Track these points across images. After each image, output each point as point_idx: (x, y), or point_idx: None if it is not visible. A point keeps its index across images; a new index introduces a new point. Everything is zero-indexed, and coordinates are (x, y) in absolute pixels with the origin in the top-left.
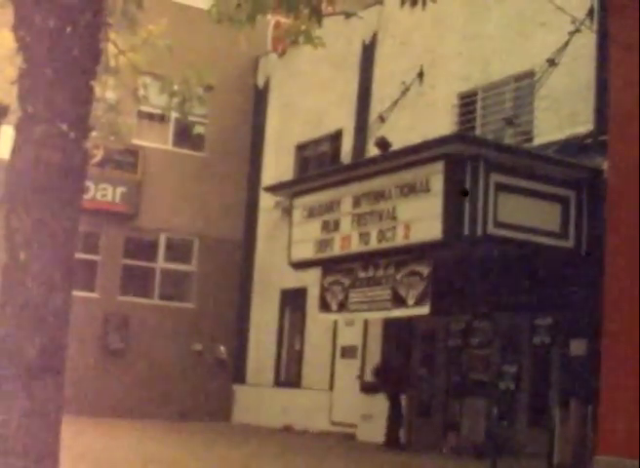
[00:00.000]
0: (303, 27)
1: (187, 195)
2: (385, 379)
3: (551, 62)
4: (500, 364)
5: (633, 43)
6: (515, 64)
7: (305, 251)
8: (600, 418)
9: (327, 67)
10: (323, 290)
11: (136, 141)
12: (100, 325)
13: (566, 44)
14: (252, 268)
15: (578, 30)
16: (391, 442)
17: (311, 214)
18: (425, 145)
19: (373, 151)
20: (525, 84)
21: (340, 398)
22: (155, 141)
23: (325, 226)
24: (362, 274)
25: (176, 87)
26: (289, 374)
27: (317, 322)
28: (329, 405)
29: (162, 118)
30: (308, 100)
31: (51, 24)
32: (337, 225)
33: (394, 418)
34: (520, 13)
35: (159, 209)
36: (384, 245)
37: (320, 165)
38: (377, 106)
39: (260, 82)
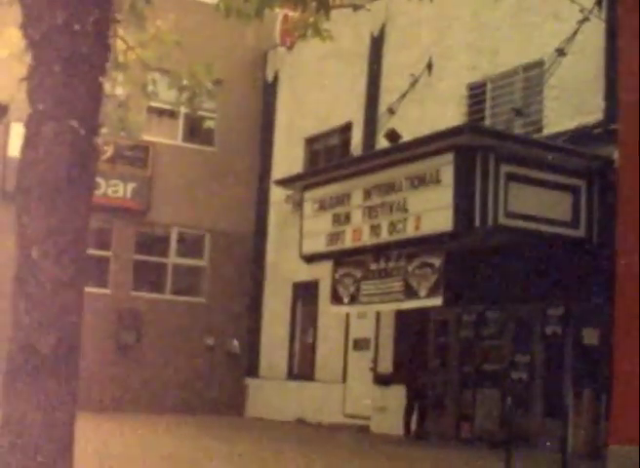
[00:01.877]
0: (312, 20)
1: (198, 190)
2: (405, 371)
3: (560, 52)
4: (513, 354)
5: None
6: (524, 54)
7: (317, 244)
8: (613, 407)
9: (336, 60)
10: (334, 282)
11: (146, 137)
12: (113, 320)
13: (575, 33)
14: (263, 262)
15: (586, 19)
16: (416, 433)
17: (322, 206)
18: (435, 137)
19: (382, 143)
20: (534, 74)
21: (352, 390)
22: (165, 137)
23: (336, 219)
24: (373, 266)
25: (185, 82)
26: (302, 367)
27: (329, 314)
28: (342, 397)
29: (172, 114)
30: (317, 93)
31: (59, 21)
32: (347, 218)
33: (419, 409)
34: (528, 2)
35: (170, 204)
36: (395, 237)
37: (330, 158)
38: (386, 98)
39: (269, 76)
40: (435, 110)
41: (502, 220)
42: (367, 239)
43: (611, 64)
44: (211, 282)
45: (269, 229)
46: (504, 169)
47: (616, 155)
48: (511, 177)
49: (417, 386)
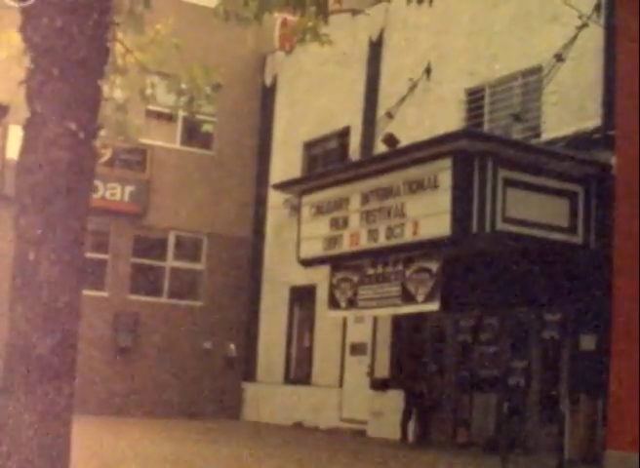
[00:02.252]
0: (310, 25)
1: (196, 193)
2: (403, 376)
3: (559, 58)
4: (510, 359)
5: None
6: (522, 60)
7: (314, 248)
8: (610, 412)
9: (334, 64)
10: (332, 287)
11: (144, 140)
12: (110, 323)
13: (573, 39)
14: (261, 266)
15: (585, 25)
16: (414, 438)
17: (320, 211)
18: (433, 142)
19: (381, 148)
20: (532, 79)
21: (349, 395)
22: (163, 140)
23: (333, 223)
24: (371, 271)
25: (183, 85)
26: (298, 372)
27: (326, 319)
28: (339, 401)
29: (170, 117)
30: (316, 98)
31: (58, 24)
32: (345, 222)
33: (417, 414)
34: (527, 8)
35: (168, 207)
36: (393, 241)
37: (328, 162)
38: (384, 103)
39: (268, 80)
40: (434, 115)
41: (500, 226)
42: (364, 243)
43: (609, 70)
44: (208, 285)
45: (267, 233)
46: (502, 174)
47: (613, 161)
48: (509, 183)
49: (415, 391)
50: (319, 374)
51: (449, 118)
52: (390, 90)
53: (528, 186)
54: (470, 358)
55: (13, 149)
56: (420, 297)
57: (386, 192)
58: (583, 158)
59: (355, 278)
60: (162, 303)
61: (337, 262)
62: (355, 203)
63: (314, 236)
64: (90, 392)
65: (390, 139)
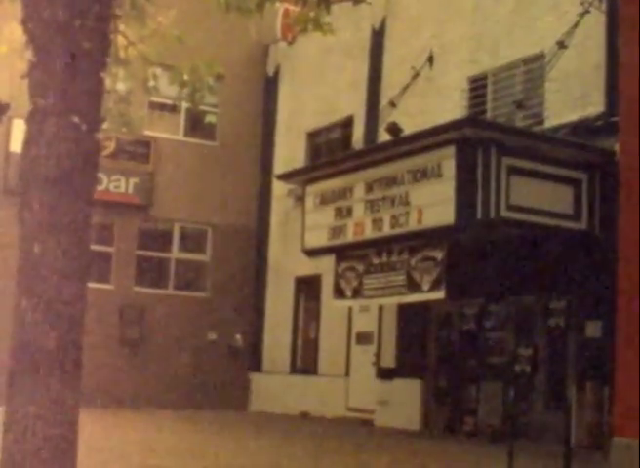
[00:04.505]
0: (312, 14)
1: (200, 185)
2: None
3: (561, 44)
4: (516, 347)
5: None
6: (525, 47)
7: (319, 238)
8: (616, 400)
9: (337, 54)
10: (337, 276)
11: (147, 132)
12: (116, 316)
13: (575, 25)
14: (266, 256)
15: (587, 11)
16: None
17: (324, 200)
18: (437, 130)
19: (384, 137)
20: (535, 66)
21: (356, 384)
22: (167, 132)
23: (338, 213)
24: (376, 260)
25: (185, 77)
26: (305, 362)
27: (332, 309)
28: (345, 391)
29: (173, 108)
30: (319, 87)
31: (60, 17)
32: (350, 212)
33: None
34: None
35: (172, 199)
36: (398, 230)
37: (332, 152)
38: (387, 92)
39: (271, 70)
40: (436, 103)
41: (504, 213)
42: (369, 233)
43: (612, 57)
44: (213, 277)
45: (271, 223)
46: (506, 162)
47: (617, 147)
48: (513, 170)
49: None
50: (325, 364)
51: (452, 106)
52: (393, 78)
53: (532, 174)
54: (476, 346)
55: (16, 143)
56: (425, 286)
57: (390, 181)
58: (587, 145)
59: (360, 267)
60: (167, 295)
61: (341, 252)
62: (359, 192)
63: (319, 226)
64: (96, 384)
65: (393, 128)
